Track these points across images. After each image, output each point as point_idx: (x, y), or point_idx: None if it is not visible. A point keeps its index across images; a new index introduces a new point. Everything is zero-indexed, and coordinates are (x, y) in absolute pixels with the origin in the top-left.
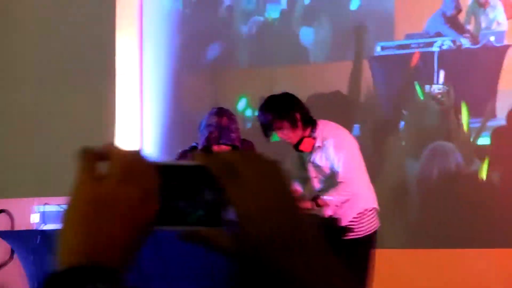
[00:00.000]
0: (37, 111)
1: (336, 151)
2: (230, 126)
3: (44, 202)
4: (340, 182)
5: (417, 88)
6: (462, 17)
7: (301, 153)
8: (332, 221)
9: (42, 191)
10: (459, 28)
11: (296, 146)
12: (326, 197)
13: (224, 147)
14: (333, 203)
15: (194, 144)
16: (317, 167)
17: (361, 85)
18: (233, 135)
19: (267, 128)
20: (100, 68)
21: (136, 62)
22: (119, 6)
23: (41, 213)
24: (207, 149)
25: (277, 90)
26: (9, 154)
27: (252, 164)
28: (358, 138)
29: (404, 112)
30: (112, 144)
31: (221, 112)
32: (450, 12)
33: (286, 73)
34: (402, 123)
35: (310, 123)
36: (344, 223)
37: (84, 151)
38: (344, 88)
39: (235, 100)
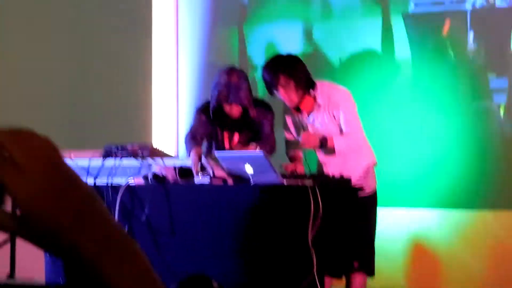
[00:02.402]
0: (74, 63)
1: (342, 105)
2: (240, 84)
3: None
4: (348, 132)
5: (449, 44)
6: None
7: (296, 118)
8: (344, 181)
9: (78, 145)
10: None
11: (297, 105)
12: (335, 140)
13: (234, 106)
14: (340, 147)
15: (206, 101)
16: (317, 128)
17: (394, 42)
18: (242, 93)
19: (271, 85)
20: (137, 21)
21: (172, 14)
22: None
23: None
24: (218, 108)
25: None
26: (45, 107)
27: (22, 145)
28: (391, 95)
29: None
30: None
31: (231, 70)
32: None
33: (316, 31)
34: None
35: (309, 85)
36: (352, 181)
37: None
38: (377, 45)
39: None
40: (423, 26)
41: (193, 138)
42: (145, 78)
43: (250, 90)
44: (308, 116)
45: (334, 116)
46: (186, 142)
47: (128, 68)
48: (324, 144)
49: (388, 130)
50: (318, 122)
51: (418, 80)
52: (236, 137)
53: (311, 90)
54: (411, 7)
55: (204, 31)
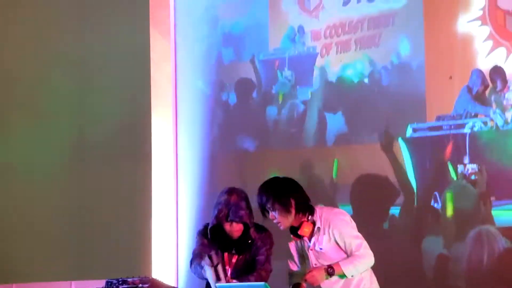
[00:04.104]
0: (74, 194)
1: (344, 226)
2: (239, 203)
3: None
4: (358, 254)
5: (450, 168)
6: (488, 92)
7: (299, 245)
8: None
9: (79, 275)
10: (487, 104)
11: (295, 230)
12: (343, 266)
13: (235, 225)
14: (351, 272)
15: (206, 223)
16: (318, 252)
17: (393, 167)
18: (242, 212)
19: (262, 208)
20: (136, 150)
21: (171, 144)
22: (154, 89)
23: None
24: (217, 228)
25: (306, 172)
26: (47, 237)
27: None
28: (393, 220)
29: (437, 193)
30: None
31: (231, 190)
32: (476, 88)
33: (316, 155)
34: (437, 206)
35: (306, 210)
36: None
37: None
38: (375, 170)
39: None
40: (422, 150)
41: (200, 256)
42: (145, 210)
43: (250, 210)
44: (310, 241)
45: (336, 242)
46: (193, 260)
47: (127, 199)
48: (331, 274)
49: (391, 255)
50: (319, 246)
51: (421, 202)
52: (234, 259)
53: (309, 215)
54: (410, 132)
55: (204, 158)
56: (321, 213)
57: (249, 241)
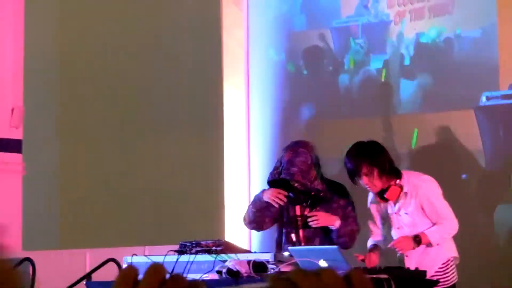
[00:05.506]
0: (147, 161)
1: (433, 193)
2: (293, 159)
3: (132, 253)
4: (445, 220)
5: None
6: None
7: (382, 207)
8: (419, 274)
9: (152, 240)
10: None
11: (382, 193)
12: (429, 235)
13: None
14: (437, 241)
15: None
16: (403, 217)
17: (466, 135)
18: (294, 169)
19: (354, 174)
20: (208, 118)
21: (243, 112)
22: (226, 57)
23: (128, 264)
24: (275, 182)
25: (381, 140)
26: (121, 204)
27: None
28: (465, 188)
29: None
30: None
31: (288, 146)
32: None
33: (389, 123)
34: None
35: (395, 174)
36: (429, 274)
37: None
38: (450, 138)
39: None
40: (495, 119)
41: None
42: (217, 175)
43: (306, 164)
44: (394, 205)
45: (422, 208)
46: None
47: (200, 166)
48: (419, 243)
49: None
50: (404, 211)
51: (493, 170)
52: (306, 212)
53: (397, 180)
54: (483, 101)
55: (275, 126)
56: (409, 177)
57: (321, 194)
